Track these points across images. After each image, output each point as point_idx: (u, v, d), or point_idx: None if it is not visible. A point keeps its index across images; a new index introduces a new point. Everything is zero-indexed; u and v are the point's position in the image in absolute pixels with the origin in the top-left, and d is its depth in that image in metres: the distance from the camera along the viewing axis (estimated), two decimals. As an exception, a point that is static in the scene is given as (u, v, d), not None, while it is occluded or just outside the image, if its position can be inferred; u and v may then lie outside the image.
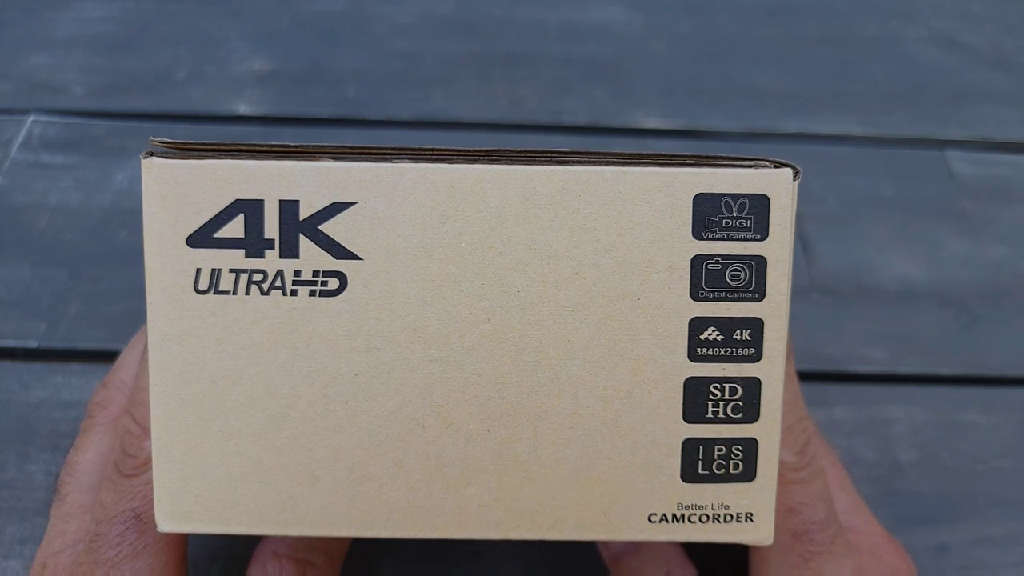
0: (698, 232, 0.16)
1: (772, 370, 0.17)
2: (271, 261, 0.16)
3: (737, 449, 0.17)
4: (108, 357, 0.26)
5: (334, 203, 0.16)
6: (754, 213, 0.16)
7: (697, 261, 0.16)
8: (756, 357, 0.17)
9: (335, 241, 0.16)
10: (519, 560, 0.25)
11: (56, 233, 0.31)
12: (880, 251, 0.33)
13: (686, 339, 0.17)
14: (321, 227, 0.16)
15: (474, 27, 0.39)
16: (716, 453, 0.17)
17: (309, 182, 0.16)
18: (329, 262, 0.16)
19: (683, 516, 0.17)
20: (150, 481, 0.18)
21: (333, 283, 0.16)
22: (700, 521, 0.17)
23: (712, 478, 0.17)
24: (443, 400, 0.17)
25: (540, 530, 0.17)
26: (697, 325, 0.17)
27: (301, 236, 0.16)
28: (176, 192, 0.16)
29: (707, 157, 0.17)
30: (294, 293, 0.16)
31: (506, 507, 0.17)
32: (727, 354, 0.17)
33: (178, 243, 0.16)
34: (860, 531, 0.22)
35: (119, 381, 0.22)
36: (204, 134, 0.34)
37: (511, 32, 0.39)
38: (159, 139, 0.16)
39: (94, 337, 0.29)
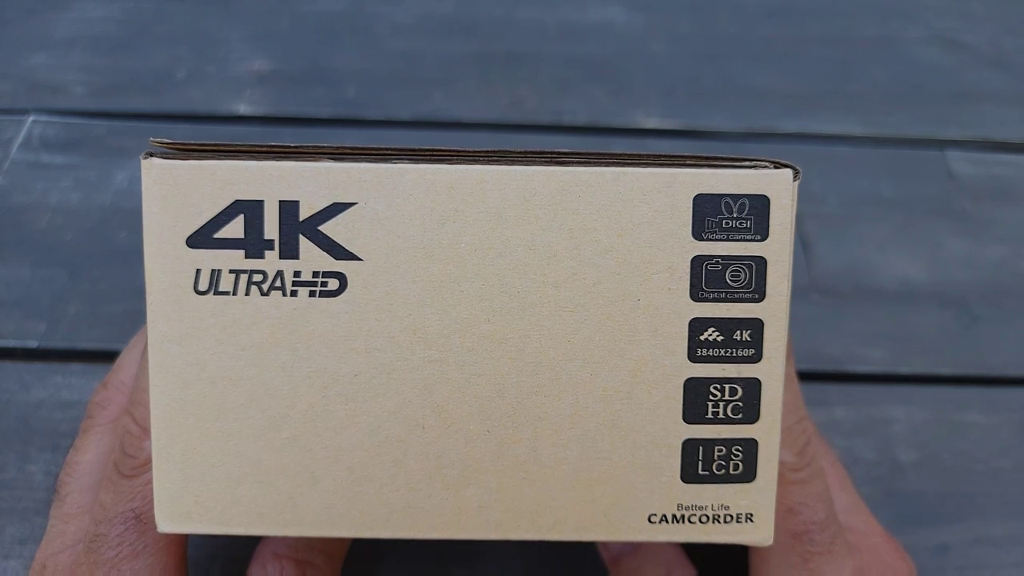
0: (698, 233, 0.16)
1: (772, 371, 0.17)
2: (271, 262, 0.16)
3: (737, 450, 0.17)
4: (108, 357, 0.26)
5: (334, 204, 0.16)
6: (754, 214, 0.16)
7: (697, 262, 0.16)
8: (756, 358, 0.17)
9: (335, 242, 0.16)
10: (519, 560, 0.25)
11: (56, 233, 0.31)
12: (880, 251, 0.33)
13: (686, 340, 0.17)
14: (321, 228, 0.16)
15: (474, 27, 0.39)
16: (716, 454, 0.17)
17: (309, 183, 0.16)
18: (329, 263, 0.16)
19: (683, 517, 0.17)
20: (150, 481, 0.18)
21: (333, 284, 0.16)
22: (700, 522, 0.17)
23: (712, 479, 0.17)
24: (443, 401, 0.17)
25: (540, 531, 0.17)
26: (697, 326, 0.17)
27: (301, 237, 0.16)
28: (176, 193, 0.16)
29: (707, 157, 0.17)
30: (294, 294, 0.16)
31: (506, 507, 0.17)
32: (727, 355, 0.17)
33: (178, 243, 0.16)
34: (860, 531, 0.22)
35: (119, 381, 0.22)
36: (204, 134, 0.34)
37: (511, 32, 0.39)
38: (159, 139, 0.16)
39: (94, 337, 0.29)
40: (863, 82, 0.38)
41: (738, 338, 0.17)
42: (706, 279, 0.17)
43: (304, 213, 0.16)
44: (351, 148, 0.16)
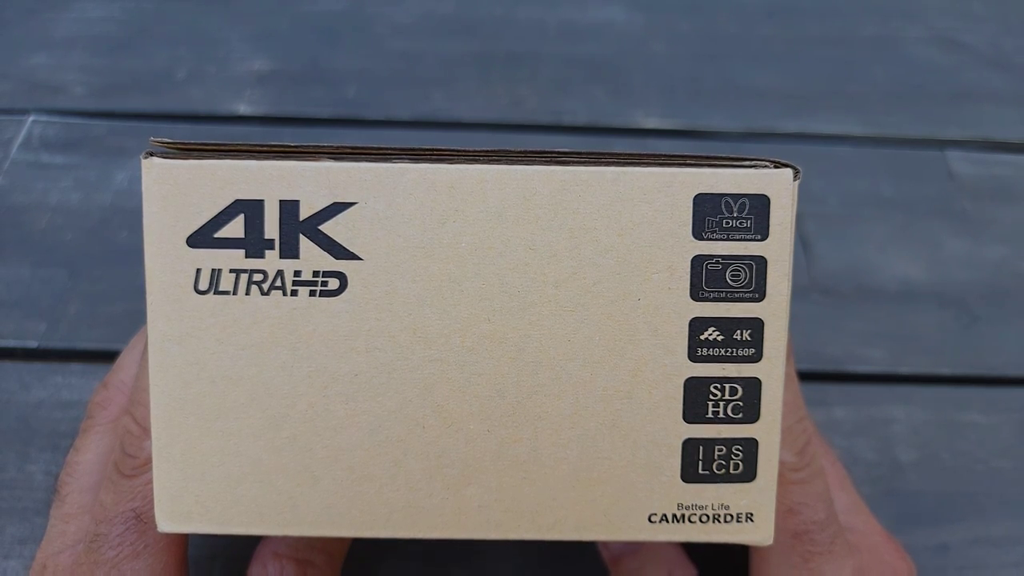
0: (698, 232, 0.16)
1: (772, 370, 0.17)
2: (271, 261, 0.16)
3: (737, 449, 0.17)
4: (108, 357, 0.26)
5: (334, 203, 0.16)
6: (754, 213, 0.16)
7: (697, 261, 0.16)
8: (756, 357, 0.17)
9: (335, 241, 0.16)
10: (519, 560, 0.25)
11: (56, 233, 0.31)
12: (880, 251, 0.33)
13: (686, 339, 0.17)
14: (321, 227, 0.16)
15: (474, 27, 0.39)
16: (716, 453, 0.17)
17: (309, 182, 0.16)
18: (329, 262, 0.16)
19: (683, 516, 0.17)
20: (150, 481, 0.18)
21: (333, 283, 0.16)
22: (700, 521, 0.17)
23: (712, 478, 0.17)
24: (443, 400, 0.17)
25: (540, 530, 0.17)
26: (697, 325, 0.17)
27: (301, 236, 0.16)
28: (176, 192, 0.16)
29: (707, 157, 0.17)
30: (294, 293, 0.16)
31: (506, 507, 0.17)
32: (727, 354, 0.17)
33: (178, 243, 0.16)
34: (860, 531, 0.22)
35: (119, 381, 0.22)
36: (204, 134, 0.34)
37: (511, 32, 0.39)
38: (159, 139, 0.16)
39: (94, 337, 0.29)
40: (863, 82, 0.38)
41: (738, 338, 0.17)
42: (706, 279, 0.17)
43: (304, 213, 0.16)
44: (351, 148, 0.16)
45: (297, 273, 0.16)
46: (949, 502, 0.27)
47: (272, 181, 0.16)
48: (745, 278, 0.17)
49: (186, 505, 0.17)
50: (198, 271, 0.16)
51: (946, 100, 0.38)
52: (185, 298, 0.16)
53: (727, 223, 0.16)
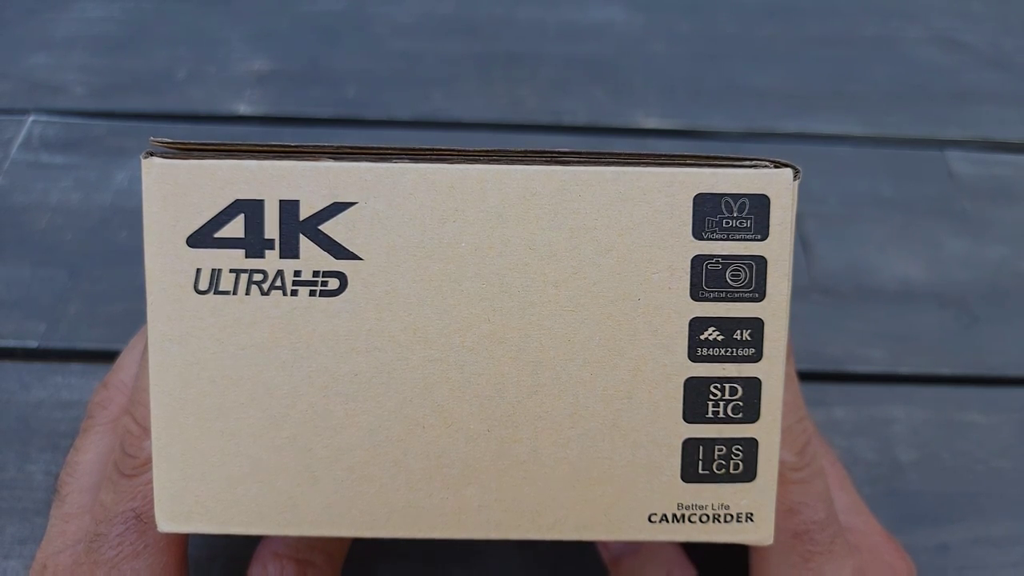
0: (698, 232, 0.16)
1: (772, 370, 0.17)
2: (271, 261, 0.16)
3: (737, 449, 0.17)
4: (108, 357, 0.26)
5: (334, 203, 0.16)
6: (754, 213, 0.16)
7: (697, 261, 0.16)
8: (756, 357, 0.17)
9: (335, 241, 0.16)
10: (519, 560, 0.25)
11: (56, 233, 0.31)
12: (880, 251, 0.33)
13: (686, 339, 0.17)
14: (321, 227, 0.16)
15: (474, 27, 0.39)
16: (716, 453, 0.17)
17: (309, 182, 0.16)
18: (329, 262, 0.16)
19: (683, 516, 0.17)
20: (150, 481, 0.18)
21: (333, 283, 0.16)
22: (700, 521, 0.17)
23: (712, 478, 0.17)
24: (443, 400, 0.17)
25: (540, 530, 0.17)
26: (697, 325, 0.17)
27: (301, 236, 0.16)
28: (176, 192, 0.16)
29: (707, 157, 0.17)
30: (294, 293, 0.16)
31: (506, 507, 0.17)
32: (727, 354, 0.17)
33: (178, 243, 0.16)
34: (860, 531, 0.22)
35: (119, 381, 0.22)
36: (204, 134, 0.34)
37: (511, 32, 0.39)
38: (159, 139, 0.16)
39: (94, 337, 0.29)
40: (863, 82, 0.38)
41: (738, 337, 0.17)
42: (706, 278, 0.17)
43: (304, 212, 0.16)
44: (351, 148, 0.16)
45: (297, 273, 0.16)
46: (949, 502, 0.27)
47: (272, 181, 0.16)
48: (745, 278, 0.17)
49: (186, 505, 0.17)
50: (198, 271, 0.16)
51: (946, 100, 0.38)
52: (185, 298, 0.16)
53: (727, 223, 0.16)
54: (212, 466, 0.17)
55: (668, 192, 0.16)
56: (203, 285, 0.16)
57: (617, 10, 0.40)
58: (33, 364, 0.28)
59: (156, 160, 0.16)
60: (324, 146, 0.16)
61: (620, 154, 0.17)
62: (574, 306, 0.17)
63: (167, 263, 0.16)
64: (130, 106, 0.35)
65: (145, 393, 0.18)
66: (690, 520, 0.17)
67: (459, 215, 0.16)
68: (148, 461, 0.19)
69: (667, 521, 0.17)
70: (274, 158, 0.16)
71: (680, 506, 0.17)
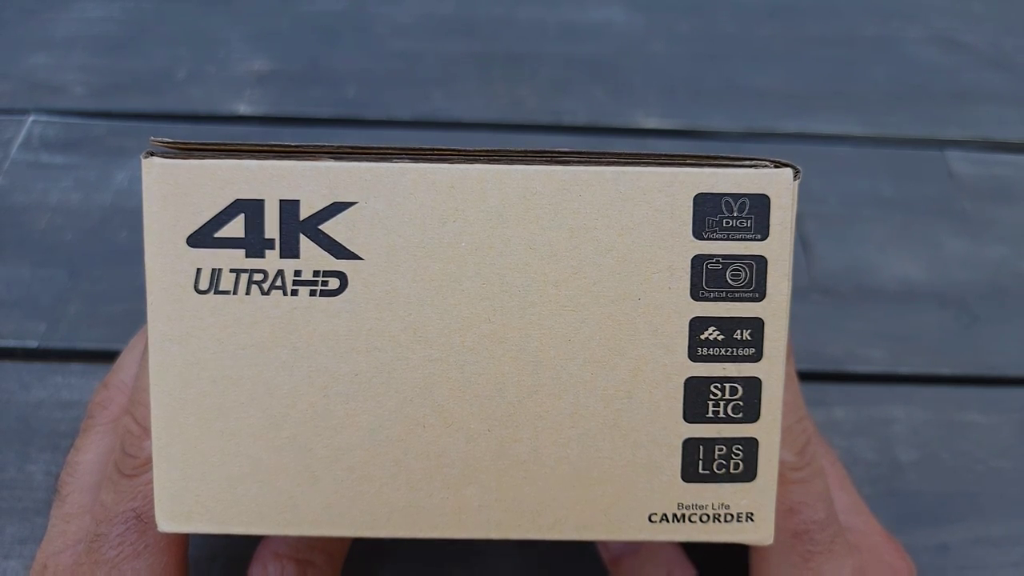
0: (698, 232, 0.16)
1: (772, 370, 0.17)
2: (271, 261, 0.16)
3: (737, 449, 0.17)
4: (108, 357, 0.26)
5: (335, 203, 0.16)
6: (754, 213, 0.16)
7: (698, 261, 0.16)
8: (756, 357, 0.17)
9: (336, 241, 0.16)
10: (519, 560, 0.25)
11: (56, 233, 0.31)
12: (880, 251, 0.33)
13: (687, 339, 0.17)
14: (322, 227, 0.16)
15: (474, 27, 0.39)
16: (716, 453, 0.17)
17: (310, 182, 0.16)
18: (330, 262, 0.16)
19: (683, 516, 0.17)
20: (151, 481, 0.18)
21: (333, 283, 0.16)
22: (700, 521, 0.17)
23: (712, 478, 0.17)
24: (443, 400, 0.17)
25: (540, 530, 0.17)
26: (697, 325, 0.17)
27: (301, 236, 0.16)
28: (177, 192, 0.16)
29: (707, 157, 0.17)
30: (294, 293, 0.16)
31: (506, 507, 0.17)
32: (727, 354, 0.17)
33: (178, 243, 0.16)
34: (860, 531, 0.22)
35: (119, 381, 0.22)
36: (204, 134, 0.34)
37: (511, 32, 0.39)
38: (160, 139, 0.16)
39: (94, 337, 0.29)
40: (863, 82, 0.38)
41: (738, 337, 0.17)
42: (706, 278, 0.17)
43: (305, 212, 0.16)
44: (352, 147, 0.16)
45: (297, 273, 0.16)
46: (949, 502, 0.27)
47: (272, 181, 0.16)
48: (745, 278, 0.17)
49: (186, 505, 0.17)
50: (198, 271, 0.16)
51: (946, 100, 0.38)
52: (185, 298, 0.16)
53: (727, 223, 0.16)
54: (212, 466, 0.17)
55: (668, 192, 0.16)
56: (203, 285, 0.16)
57: (617, 10, 0.40)
58: (33, 364, 0.28)
59: (156, 160, 0.16)
60: (324, 146, 0.16)
61: (620, 154, 0.17)
62: (574, 306, 0.17)
63: (167, 263, 0.16)
64: (130, 106, 0.35)
65: (145, 393, 0.18)
66: (690, 520, 0.17)
67: (459, 215, 0.16)
68: (148, 461, 0.19)
69: (667, 521, 0.17)
70: (274, 158, 0.16)
71: (680, 506, 0.17)
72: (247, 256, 0.16)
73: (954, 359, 0.30)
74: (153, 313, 0.16)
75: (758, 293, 0.17)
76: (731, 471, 0.17)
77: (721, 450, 0.17)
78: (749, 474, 0.17)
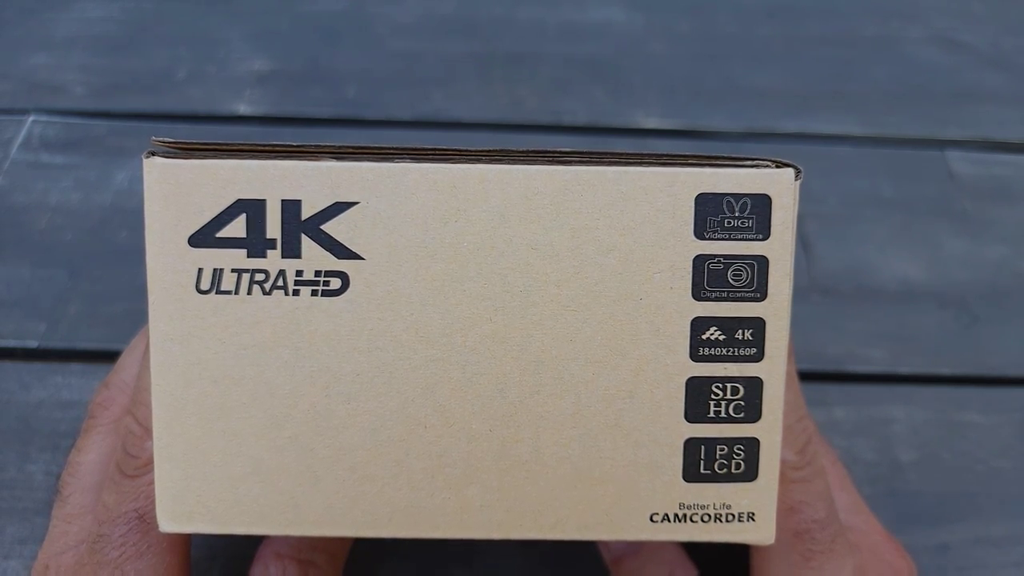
0: (700, 232, 0.16)
1: (774, 370, 0.17)
2: (273, 261, 0.16)
3: (739, 449, 0.17)
4: (108, 357, 0.26)
5: (336, 203, 0.16)
6: (756, 213, 0.16)
7: (699, 261, 0.16)
8: (758, 357, 0.17)
9: (337, 241, 0.16)
10: (520, 560, 0.25)
11: (56, 233, 0.31)
12: (880, 251, 0.33)
13: (688, 339, 0.17)
14: (323, 227, 0.16)
15: (474, 27, 0.39)
16: (718, 453, 0.17)
17: (311, 182, 0.16)
18: (331, 262, 0.16)
19: (685, 516, 0.17)
20: (152, 481, 0.18)
21: (335, 283, 0.16)
22: (702, 521, 0.17)
23: (714, 478, 0.17)
24: (445, 400, 0.17)
25: (542, 530, 0.17)
26: (699, 325, 0.17)
27: (303, 236, 0.16)
28: (178, 192, 0.16)
29: (708, 157, 0.17)
30: (296, 293, 0.16)
31: (508, 507, 0.17)
32: (729, 354, 0.17)
33: (180, 243, 0.16)
34: (860, 530, 0.22)
35: (120, 381, 0.22)
36: (204, 134, 0.34)
37: (511, 32, 0.39)
38: (161, 139, 0.16)
39: (94, 337, 0.29)
40: (863, 82, 0.38)
41: (740, 337, 0.17)
42: (708, 278, 0.17)
43: (306, 212, 0.16)
44: (353, 147, 0.16)
45: (299, 273, 0.16)
46: (949, 502, 0.27)
47: (274, 181, 0.16)
48: (747, 278, 0.17)
49: (188, 505, 0.17)
50: (200, 271, 0.16)
51: (946, 100, 0.38)
52: (187, 298, 0.16)
53: (729, 223, 0.16)
54: (214, 466, 0.17)
55: (670, 192, 0.16)
56: (205, 285, 0.16)
57: (617, 10, 0.41)
58: (33, 364, 0.28)
59: (158, 160, 0.16)
60: (326, 146, 0.16)
61: (622, 154, 0.17)
62: (576, 306, 0.17)
63: (169, 263, 0.16)
64: (130, 106, 0.35)
65: (147, 393, 0.18)
66: (692, 520, 0.17)
67: (461, 215, 0.16)
68: (150, 461, 0.19)
69: (669, 521, 0.17)
70: (276, 158, 0.16)
71: (682, 506, 0.17)
72: (249, 256, 0.16)
73: (954, 359, 0.30)
74: (154, 313, 0.16)
75: (759, 293, 0.17)
76: (732, 471, 0.17)
77: (722, 450, 0.17)
78: (750, 474, 0.17)
